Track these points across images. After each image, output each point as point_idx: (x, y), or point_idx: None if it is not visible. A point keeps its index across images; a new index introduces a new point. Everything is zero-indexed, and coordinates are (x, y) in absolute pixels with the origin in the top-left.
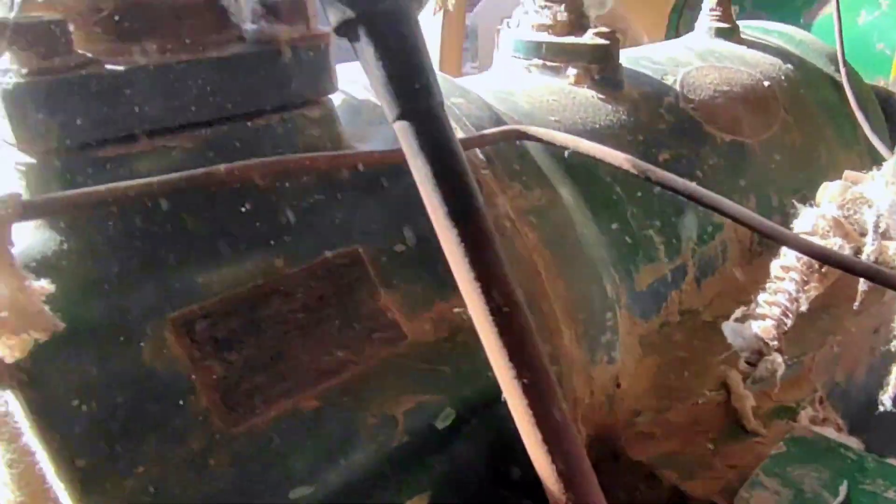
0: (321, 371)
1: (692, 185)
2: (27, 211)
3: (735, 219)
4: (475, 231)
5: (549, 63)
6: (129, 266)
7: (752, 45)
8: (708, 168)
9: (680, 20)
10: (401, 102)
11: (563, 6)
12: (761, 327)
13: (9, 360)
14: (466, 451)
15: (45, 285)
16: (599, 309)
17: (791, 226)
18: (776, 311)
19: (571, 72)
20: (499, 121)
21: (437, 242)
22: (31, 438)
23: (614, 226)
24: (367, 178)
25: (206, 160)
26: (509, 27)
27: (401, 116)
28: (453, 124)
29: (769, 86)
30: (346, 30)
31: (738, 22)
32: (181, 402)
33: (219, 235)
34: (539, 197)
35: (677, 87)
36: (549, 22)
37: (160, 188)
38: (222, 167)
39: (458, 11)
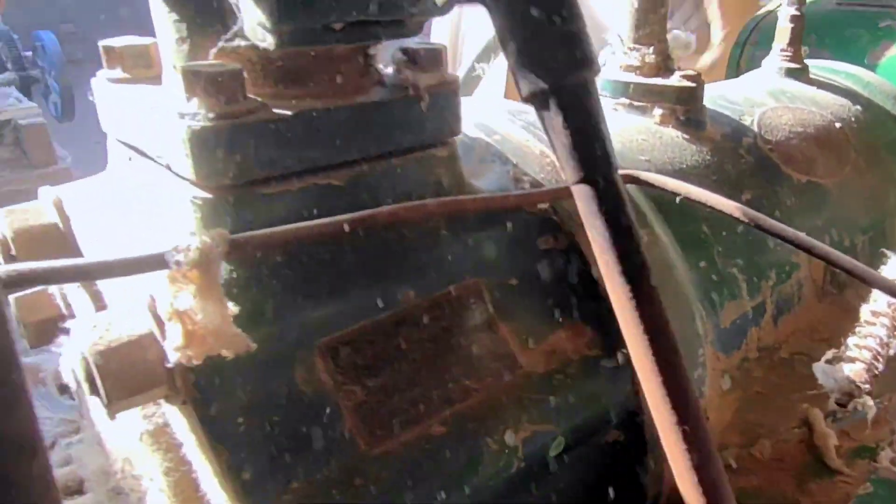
0: (447, 398)
1: (801, 235)
2: (233, 248)
3: (836, 264)
4: (645, 289)
5: (635, 103)
6: (285, 295)
7: (821, 85)
8: (786, 208)
9: (741, 56)
10: (583, 168)
11: (651, 49)
12: (853, 370)
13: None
14: (568, 479)
15: (233, 308)
16: (693, 345)
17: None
18: (867, 354)
19: (657, 112)
20: None
21: (546, 277)
22: (193, 450)
23: (702, 264)
24: (485, 216)
25: (352, 196)
26: None
27: (582, 181)
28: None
29: (840, 127)
30: (537, 100)
31: (806, 61)
32: (328, 424)
33: (358, 268)
34: (642, 236)
35: (755, 128)
36: (636, 63)
37: (335, 227)
38: (385, 208)
39: None
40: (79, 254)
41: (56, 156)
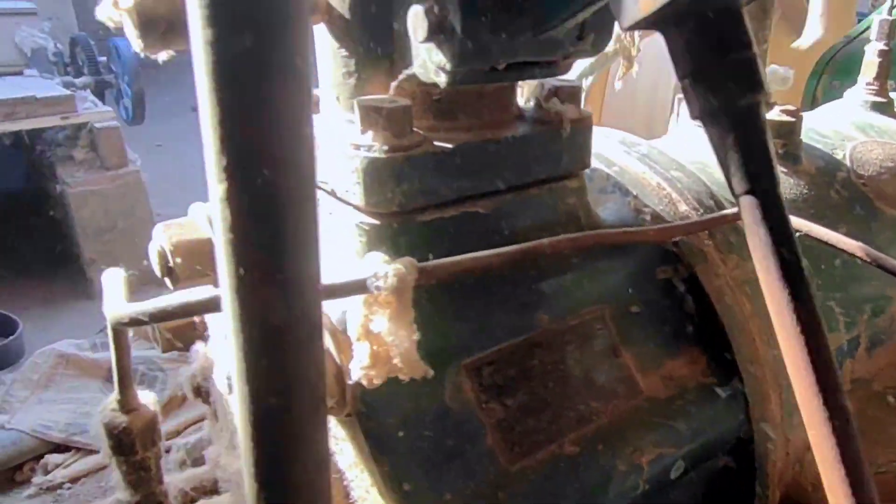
0: (578, 418)
1: None
2: (421, 275)
3: None
4: (804, 292)
5: None
6: (438, 318)
7: None
8: (879, 242)
9: (818, 86)
10: (751, 181)
11: None
12: None
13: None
14: (684, 501)
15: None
16: None
17: None
18: None
19: None
20: (712, 194)
21: (664, 306)
22: (348, 459)
23: None
24: (611, 246)
25: (494, 223)
26: None
27: (748, 192)
28: (677, 196)
29: None
30: (709, 118)
31: (893, 94)
32: (473, 440)
33: (500, 293)
34: (752, 269)
35: (847, 162)
36: None
37: (504, 258)
38: (546, 241)
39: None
40: None
41: (127, 158)
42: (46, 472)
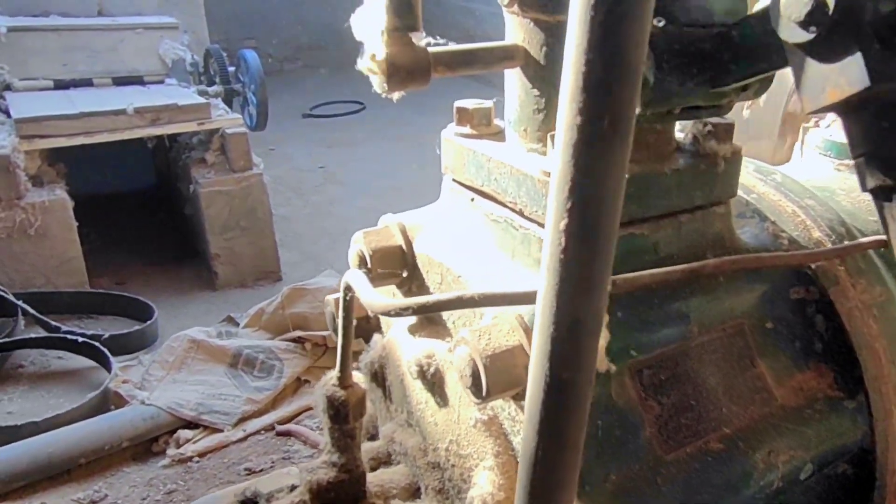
0: (721, 419)
1: None
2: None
3: None
4: None
5: None
6: (609, 324)
7: None
8: None
9: None
10: None
11: None
12: None
13: None
14: (806, 501)
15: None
16: None
17: None
18: None
19: None
20: (842, 222)
21: (796, 323)
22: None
23: None
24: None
25: (652, 245)
26: (819, 126)
27: None
28: (811, 223)
29: None
30: (882, 192)
31: None
32: (635, 430)
33: (660, 305)
34: (880, 293)
35: None
36: None
37: (676, 275)
38: (711, 262)
39: None
40: (417, 270)
41: (252, 162)
42: (178, 446)
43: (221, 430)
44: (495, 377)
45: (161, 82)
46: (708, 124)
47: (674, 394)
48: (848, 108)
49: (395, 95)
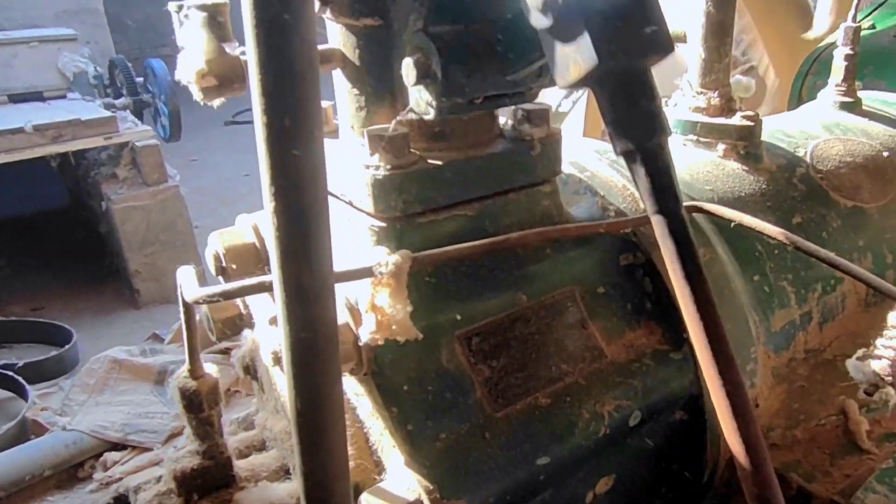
0: (550, 378)
1: (833, 255)
2: (414, 263)
3: (858, 278)
4: (702, 289)
5: (702, 139)
6: (435, 298)
7: (873, 116)
8: (832, 230)
9: (803, 86)
10: (658, 204)
11: (716, 93)
12: (879, 366)
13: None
14: (643, 446)
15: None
16: (746, 344)
17: None
18: (891, 352)
19: (721, 147)
20: None
21: (626, 286)
22: (366, 411)
23: (756, 277)
24: (579, 237)
25: (479, 223)
26: (667, 106)
27: (657, 213)
28: (639, 196)
29: (888, 156)
30: (628, 155)
31: (861, 93)
32: (465, 393)
33: (486, 278)
34: (703, 254)
35: (807, 159)
36: (703, 105)
37: (479, 249)
38: (514, 235)
39: None
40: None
41: (167, 174)
42: (105, 469)
43: (151, 449)
44: None
45: (63, 97)
46: (521, 110)
47: (504, 357)
48: (592, 82)
49: (216, 102)
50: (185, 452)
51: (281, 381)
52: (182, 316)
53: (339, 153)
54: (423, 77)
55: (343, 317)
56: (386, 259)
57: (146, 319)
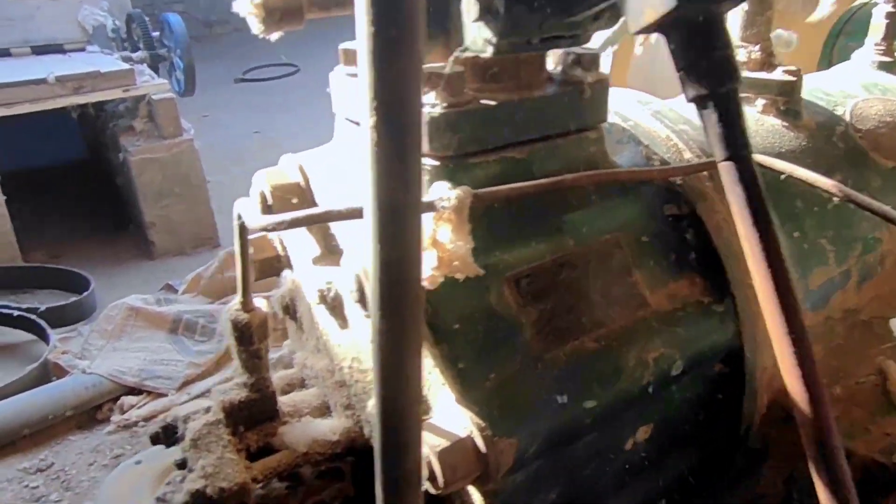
0: (596, 322)
1: (886, 208)
2: (474, 199)
3: None
4: (771, 233)
5: (742, 94)
6: (487, 239)
7: None
8: (872, 190)
9: (833, 48)
10: (729, 150)
11: (756, 47)
12: None
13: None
14: (683, 396)
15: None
16: None
17: None
18: None
19: (760, 102)
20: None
21: (670, 237)
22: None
23: (795, 234)
24: (625, 186)
25: (528, 166)
26: None
27: (727, 159)
28: (683, 146)
29: None
30: (699, 101)
31: None
32: (513, 333)
33: (536, 222)
34: None
35: (847, 118)
36: (743, 59)
37: (534, 189)
38: (569, 176)
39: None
40: (314, 204)
41: (182, 127)
42: (123, 412)
43: (166, 395)
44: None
45: (82, 50)
46: (573, 54)
47: (551, 300)
48: (666, 27)
49: (274, 36)
50: (232, 385)
51: (325, 320)
52: (237, 247)
53: None
54: (486, 12)
55: None
56: (448, 193)
57: (160, 270)
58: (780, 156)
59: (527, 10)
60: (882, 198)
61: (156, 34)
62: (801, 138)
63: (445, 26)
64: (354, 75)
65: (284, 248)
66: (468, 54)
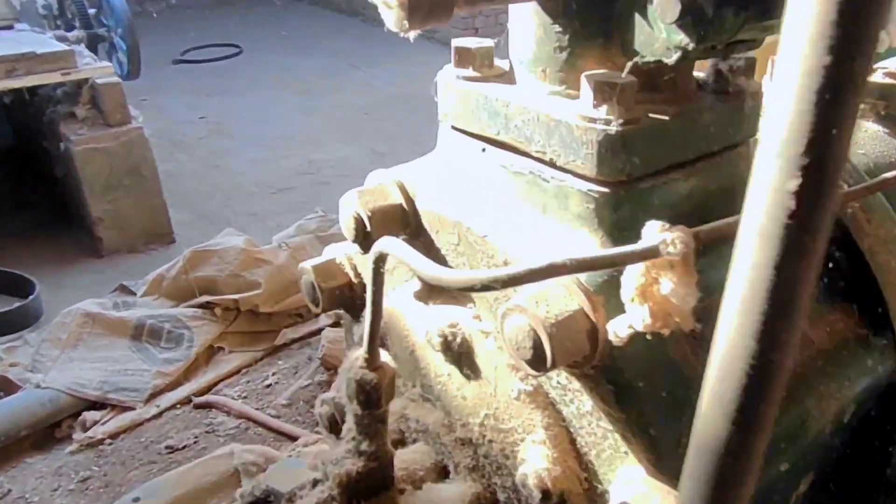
0: None
1: None
2: (697, 241)
3: None
4: None
5: None
6: None
7: None
8: None
9: None
10: None
11: None
12: None
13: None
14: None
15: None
16: None
17: None
18: None
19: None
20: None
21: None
22: (584, 409)
23: None
24: None
25: (689, 189)
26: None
27: None
28: None
29: None
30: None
31: None
32: (695, 388)
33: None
34: (891, 229)
35: None
36: None
37: None
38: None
39: None
40: (423, 231)
41: (130, 115)
42: (85, 429)
43: (132, 408)
44: (560, 346)
45: (10, 28)
46: (735, 61)
47: None
48: None
49: (412, 35)
50: (344, 452)
51: (442, 367)
52: (370, 296)
53: (532, 101)
54: (687, 13)
55: (576, 301)
56: (671, 237)
57: (111, 269)
58: (892, 166)
59: (733, 12)
60: None
61: (92, 11)
62: None
63: (605, 27)
64: (472, 79)
65: (358, 275)
66: (648, 59)
